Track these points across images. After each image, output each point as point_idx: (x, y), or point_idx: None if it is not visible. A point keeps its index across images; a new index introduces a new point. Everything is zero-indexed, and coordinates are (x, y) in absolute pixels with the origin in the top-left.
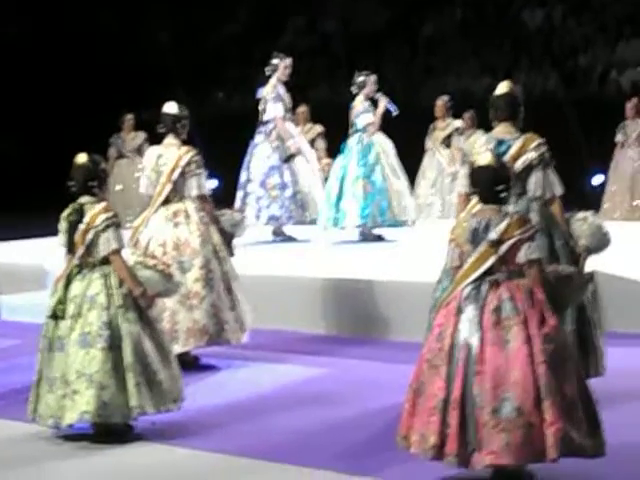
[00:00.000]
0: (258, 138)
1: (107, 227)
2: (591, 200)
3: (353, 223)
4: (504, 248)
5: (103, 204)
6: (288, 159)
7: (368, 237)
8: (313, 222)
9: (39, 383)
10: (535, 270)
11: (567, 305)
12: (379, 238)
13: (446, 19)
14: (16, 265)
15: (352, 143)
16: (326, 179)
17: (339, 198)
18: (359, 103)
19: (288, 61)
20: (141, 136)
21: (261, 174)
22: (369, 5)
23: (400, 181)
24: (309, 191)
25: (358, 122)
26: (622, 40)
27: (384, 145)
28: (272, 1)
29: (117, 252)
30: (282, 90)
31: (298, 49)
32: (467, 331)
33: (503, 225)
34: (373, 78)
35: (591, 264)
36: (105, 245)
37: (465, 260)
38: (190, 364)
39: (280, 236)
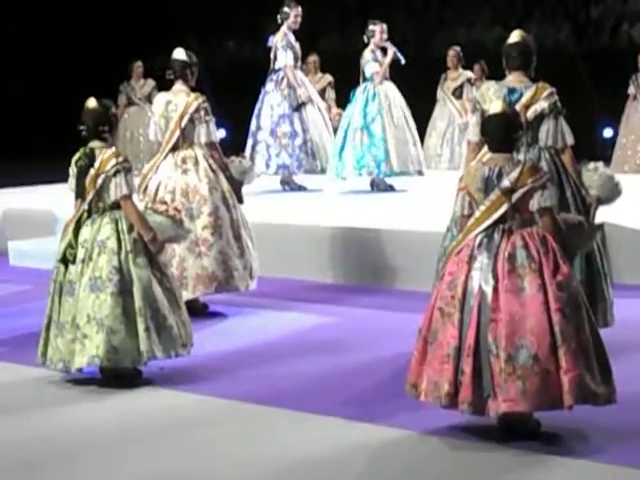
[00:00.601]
0: (269, 86)
1: (117, 172)
2: (602, 152)
3: (350, 173)
4: (517, 196)
5: (113, 149)
6: (298, 107)
7: (379, 186)
8: (323, 171)
9: (48, 327)
10: (548, 218)
11: (576, 253)
12: (390, 188)
13: None
14: (26, 210)
15: (358, 92)
16: (336, 129)
17: (342, 148)
18: (368, 52)
19: (299, 10)
20: (150, 84)
21: (271, 122)
22: None
23: (404, 132)
24: (319, 140)
25: (365, 71)
26: None
27: (390, 95)
28: None
29: (128, 197)
30: (292, 38)
31: None
32: (480, 279)
33: (516, 173)
34: (382, 27)
35: (601, 215)
36: (115, 190)
37: (476, 208)
38: (199, 311)
39: (290, 185)
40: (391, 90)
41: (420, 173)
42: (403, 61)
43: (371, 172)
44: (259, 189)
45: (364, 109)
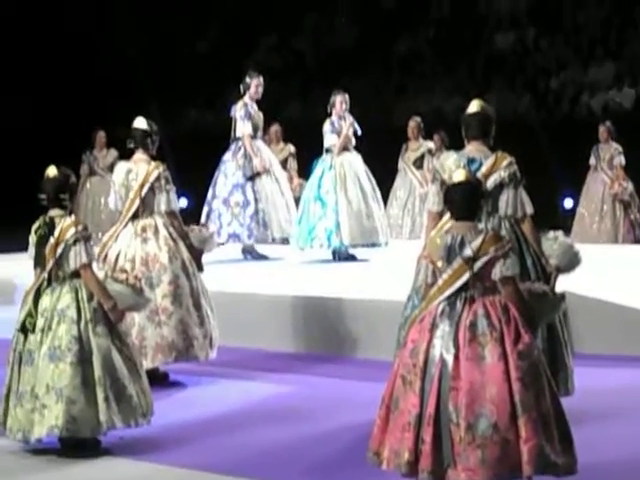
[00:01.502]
0: (226, 155)
1: (77, 240)
2: (562, 222)
3: (303, 245)
4: (479, 264)
5: (73, 217)
6: (253, 177)
7: (340, 256)
8: (274, 241)
9: (8, 397)
10: (510, 287)
11: (540, 322)
12: (352, 257)
13: (419, 38)
14: None
15: (318, 163)
16: (297, 199)
17: (300, 218)
18: (327, 124)
19: (260, 79)
20: (113, 153)
21: (225, 191)
22: (342, 24)
23: (359, 204)
24: (273, 210)
25: (324, 143)
26: (594, 63)
27: (348, 166)
28: (244, 18)
29: (87, 266)
30: (253, 108)
31: (270, 67)
32: (442, 347)
33: (478, 241)
34: (343, 97)
35: (561, 284)
36: (75, 259)
37: (439, 277)
38: (159, 380)
39: (251, 254)
40: (350, 161)
41: (374, 245)
42: (359, 132)
43: (322, 244)
44: (220, 258)
45: (319, 180)
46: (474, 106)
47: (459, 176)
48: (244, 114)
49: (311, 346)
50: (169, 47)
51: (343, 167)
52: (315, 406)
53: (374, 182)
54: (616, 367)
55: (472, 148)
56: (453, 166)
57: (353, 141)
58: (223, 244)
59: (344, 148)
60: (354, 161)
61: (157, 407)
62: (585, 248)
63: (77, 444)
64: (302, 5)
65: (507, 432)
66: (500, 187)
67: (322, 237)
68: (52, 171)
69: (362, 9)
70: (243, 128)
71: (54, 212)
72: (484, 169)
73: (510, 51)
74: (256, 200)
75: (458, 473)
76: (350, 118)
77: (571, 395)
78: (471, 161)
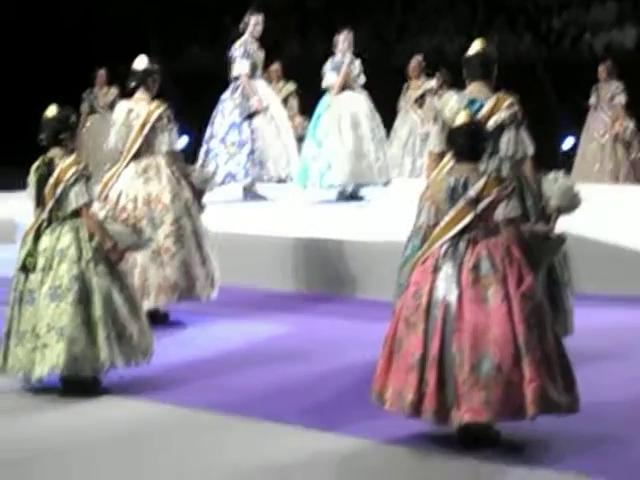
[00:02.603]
0: (225, 94)
1: (77, 180)
2: (563, 162)
3: (299, 183)
4: (482, 206)
5: (73, 157)
6: (250, 116)
7: (343, 196)
8: (271, 180)
9: (8, 336)
10: (512, 228)
11: (541, 263)
12: (356, 197)
13: None
14: None
15: (319, 102)
16: (299, 137)
17: (301, 158)
18: (328, 62)
19: (258, 18)
20: (114, 92)
21: (222, 131)
22: None
23: (352, 144)
24: (269, 149)
25: (323, 82)
26: (596, 2)
27: (346, 106)
28: None
29: (87, 205)
30: (253, 47)
31: (272, 5)
32: (445, 289)
33: (481, 183)
34: (343, 35)
35: (561, 224)
36: (75, 198)
37: (441, 218)
38: (160, 320)
39: (251, 194)
40: (348, 101)
41: (367, 185)
42: (356, 71)
43: (314, 184)
44: (220, 198)
45: (317, 120)
46: (476, 46)
47: (461, 118)
48: (242, 53)
49: (312, 286)
50: None
51: (340, 107)
52: (316, 346)
53: (377, 122)
54: (615, 307)
55: (473, 89)
56: (455, 106)
57: (361, 80)
58: (221, 184)
59: (345, 87)
60: (353, 100)
61: (157, 347)
62: (586, 188)
63: (78, 383)
64: None
65: (511, 373)
66: (501, 128)
67: (315, 177)
68: (51, 111)
69: None
70: (240, 67)
71: (54, 152)
72: (485, 110)
73: None
74: (252, 139)
75: (462, 414)
76: (348, 57)
77: (571, 335)
78: (472, 102)
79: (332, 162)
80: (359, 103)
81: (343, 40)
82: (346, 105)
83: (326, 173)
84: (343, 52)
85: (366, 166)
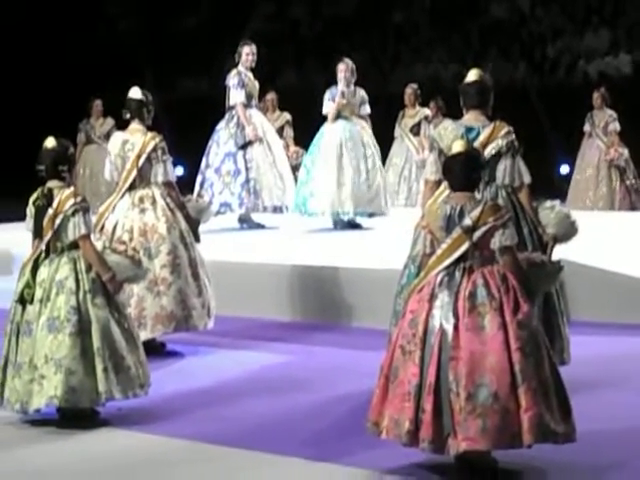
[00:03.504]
0: (220, 124)
1: (76, 212)
2: (558, 189)
3: (294, 210)
4: (478, 234)
5: (72, 189)
6: (244, 146)
7: (340, 224)
8: (266, 210)
9: (5, 368)
10: (509, 256)
11: (538, 292)
12: (355, 226)
13: (416, 6)
14: None
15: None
16: (294, 167)
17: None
18: (327, 91)
19: (251, 48)
20: (110, 122)
21: (218, 160)
22: None
23: (334, 173)
24: (263, 179)
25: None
26: (589, 30)
27: (336, 135)
28: None
29: (86, 237)
30: (247, 77)
31: (267, 35)
32: (441, 317)
33: (477, 211)
34: (341, 65)
35: (557, 253)
36: (74, 230)
37: (437, 247)
38: (156, 350)
39: (247, 223)
40: (340, 131)
41: (342, 215)
42: (343, 99)
43: (300, 211)
44: (217, 227)
45: (312, 147)
46: (472, 75)
47: (458, 147)
48: (237, 82)
49: (308, 315)
50: (166, 15)
51: (331, 136)
52: (312, 375)
53: (371, 152)
54: (611, 335)
55: (470, 117)
56: (451, 135)
57: (364, 110)
58: (216, 213)
59: (339, 116)
60: (345, 130)
61: (154, 378)
62: (581, 215)
63: (75, 415)
64: None
65: (507, 401)
66: (498, 156)
67: (300, 204)
68: (50, 142)
69: None
70: (236, 96)
71: (52, 183)
72: (482, 138)
73: (506, 19)
74: (247, 169)
75: (459, 442)
76: (341, 87)
77: (567, 364)
78: (469, 130)
79: (314, 191)
80: (351, 133)
81: (342, 69)
82: (336, 134)
83: (308, 201)
84: (342, 81)
85: (346, 196)
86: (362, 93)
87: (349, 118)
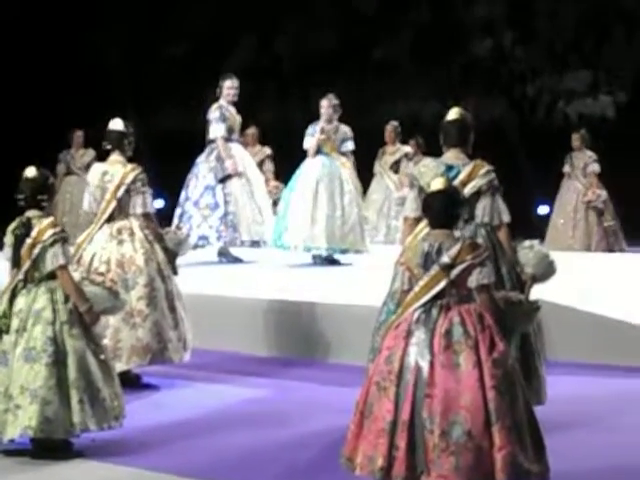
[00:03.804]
0: (200, 157)
1: (55, 242)
2: (536, 229)
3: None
4: (455, 272)
5: (51, 218)
6: (224, 179)
7: (318, 259)
8: (244, 244)
9: None
10: (486, 295)
11: (515, 331)
12: (332, 261)
13: (397, 44)
14: None
15: None
16: (274, 201)
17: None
18: (309, 126)
19: (232, 82)
20: (90, 153)
21: (197, 193)
22: (320, 27)
23: (308, 208)
24: (242, 212)
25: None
26: (569, 70)
27: (312, 170)
28: (222, 20)
29: (64, 267)
30: (229, 111)
31: (249, 69)
32: (417, 354)
33: (455, 249)
34: (323, 101)
35: (535, 292)
36: (52, 260)
37: (415, 283)
38: (132, 382)
39: (226, 256)
40: (317, 167)
41: (311, 250)
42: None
43: (276, 244)
44: (195, 260)
45: (290, 183)
46: (453, 114)
47: (437, 184)
48: (218, 116)
49: (285, 350)
50: (147, 48)
51: (308, 171)
52: (289, 410)
53: (349, 187)
54: (587, 375)
55: (451, 155)
56: (431, 173)
57: (346, 146)
58: (194, 246)
59: (319, 151)
60: (323, 166)
61: (129, 409)
62: (558, 256)
63: (49, 445)
64: (281, 8)
65: (481, 439)
66: (477, 195)
67: (276, 237)
68: (31, 172)
69: (340, 14)
70: (216, 130)
71: (32, 213)
72: (462, 176)
73: (487, 57)
74: (226, 202)
75: (432, 479)
76: (321, 122)
77: (543, 404)
78: (449, 168)
79: (289, 225)
80: (329, 169)
81: (324, 105)
82: (314, 170)
83: (282, 234)
84: (323, 117)
85: (319, 232)
86: (345, 129)
87: (329, 154)
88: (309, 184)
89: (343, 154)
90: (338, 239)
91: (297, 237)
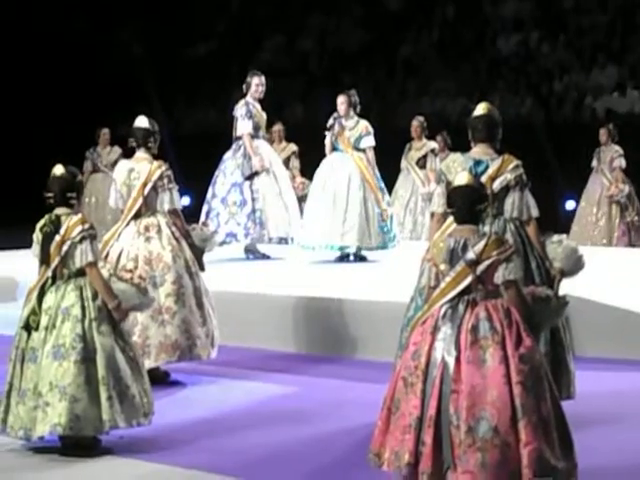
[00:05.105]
0: (227, 154)
1: (83, 239)
2: (564, 225)
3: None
4: (481, 268)
5: (79, 215)
6: (251, 176)
7: (345, 255)
8: (271, 241)
9: (9, 394)
10: (512, 290)
11: (543, 326)
12: (359, 257)
13: (423, 40)
14: None
15: None
16: (300, 198)
17: None
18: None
19: (261, 79)
20: (117, 151)
21: (224, 190)
22: (347, 25)
23: (326, 205)
24: (270, 209)
25: None
26: (596, 66)
27: (326, 168)
28: (250, 18)
29: (93, 264)
30: (255, 107)
31: (275, 67)
32: (444, 349)
33: (481, 245)
34: (340, 98)
35: (564, 287)
36: (81, 257)
37: (442, 280)
38: (160, 379)
39: (253, 253)
40: (331, 164)
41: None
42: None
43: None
44: (222, 257)
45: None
46: (481, 109)
47: (461, 179)
48: (244, 113)
49: (312, 347)
50: (174, 45)
51: (323, 169)
52: (316, 407)
53: (357, 184)
54: (615, 370)
55: (479, 150)
56: (459, 168)
57: (362, 143)
58: (222, 243)
59: (333, 148)
60: (334, 163)
61: (157, 407)
62: (584, 250)
63: (78, 443)
64: (308, 5)
65: (507, 435)
66: (506, 189)
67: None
68: (59, 170)
69: (367, 11)
70: (243, 127)
71: (60, 210)
72: (490, 171)
73: (513, 54)
74: (253, 199)
75: (458, 475)
76: (330, 120)
77: (573, 399)
78: (477, 163)
79: (305, 223)
80: (339, 166)
81: (340, 102)
82: (327, 168)
83: (301, 233)
84: (339, 113)
85: (317, 231)
86: (365, 124)
87: (342, 149)
88: (316, 184)
89: (359, 150)
90: (337, 237)
91: (313, 235)
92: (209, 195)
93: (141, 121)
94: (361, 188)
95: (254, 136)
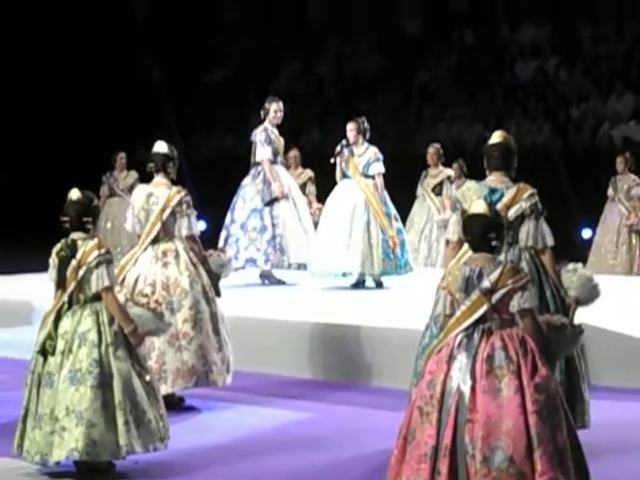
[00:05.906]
0: (246, 180)
1: (99, 264)
2: (580, 253)
3: None
4: (497, 297)
5: (96, 240)
6: (271, 202)
7: (361, 282)
8: (291, 266)
9: (25, 419)
10: (528, 319)
11: (558, 355)
12: (377, 284)
13: (440, 67)
14: (3, 300)
15: None
16: (316, 224)
17: None
18: None
19: (279, 105)
20: (133, 175)
21: (243, 216)
22: (364, 51)
23: (330, 232)
24: (290, 235)
25: None
26: (614, 94)
27: (333, 196)
28: (268, 44)
29: (109, 289)
30: (274, 133)
31: (292, 93)
32: (459, 379)
33: (496, 274)
34: (350, 125)
35: (579, 316)
36: (97, 282)
37: (457, 308)
38: (175, 404)
39: (269, 279)
40: (339, 191)
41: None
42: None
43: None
44: (238, 282)
45: None
46: (496, 137)
47: (477, 208)
48: (264, 139)
49: (328, 373)
50: (192, 71)
51: (332, 196)
52: (331, 434)
53: (361, 211)
54: (631, 400)
55: (494, 178)
56: (474, 196)
57: (370, 169)
58: (240, 269)
59: (343, 175)
60: (342, 190)
61: (172, 432)
62: (601, 279)
63: (93, 467)
64: (325, 32)
65: (523, 465)
66: (521, 218)
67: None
68: (75, 194)
69: (384, 37)
70: (263, 153)
71: (76, 235)
72: (506, 199)
73: (531, 80)
74: (273, 225)
75: None
76: (338, 147)
77: (587, 428)
78: (493, 191)
79: (315, 251)
80: (346, 193)
81: (349, 129)
82: (335, 195)
83: (311, 261)
84: (349, 140)
85: (320, 257)
86: (373, 151)
87: (351, 176)
88: (324, 212)
89: (367, 176)
90: (341, 264)
91: (319, 262)
92: (228, 221)
93: (160, 146)
94: (365, 214)
95: (273, 162)
